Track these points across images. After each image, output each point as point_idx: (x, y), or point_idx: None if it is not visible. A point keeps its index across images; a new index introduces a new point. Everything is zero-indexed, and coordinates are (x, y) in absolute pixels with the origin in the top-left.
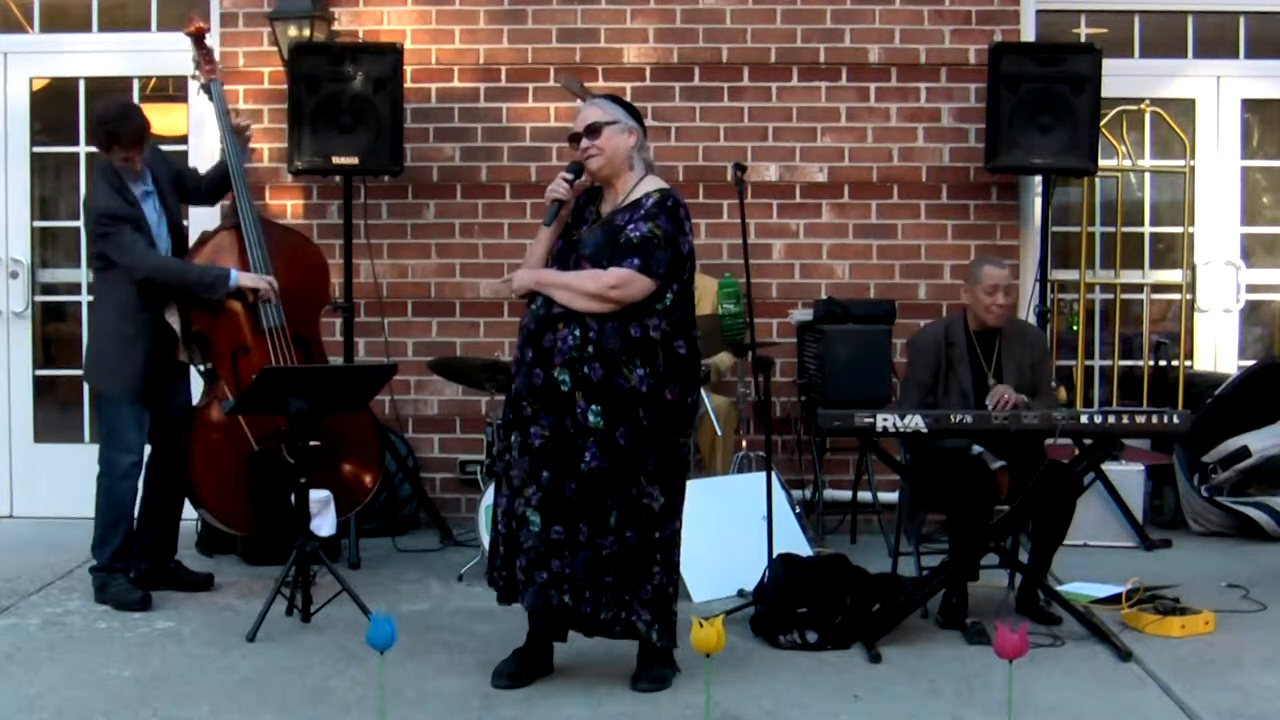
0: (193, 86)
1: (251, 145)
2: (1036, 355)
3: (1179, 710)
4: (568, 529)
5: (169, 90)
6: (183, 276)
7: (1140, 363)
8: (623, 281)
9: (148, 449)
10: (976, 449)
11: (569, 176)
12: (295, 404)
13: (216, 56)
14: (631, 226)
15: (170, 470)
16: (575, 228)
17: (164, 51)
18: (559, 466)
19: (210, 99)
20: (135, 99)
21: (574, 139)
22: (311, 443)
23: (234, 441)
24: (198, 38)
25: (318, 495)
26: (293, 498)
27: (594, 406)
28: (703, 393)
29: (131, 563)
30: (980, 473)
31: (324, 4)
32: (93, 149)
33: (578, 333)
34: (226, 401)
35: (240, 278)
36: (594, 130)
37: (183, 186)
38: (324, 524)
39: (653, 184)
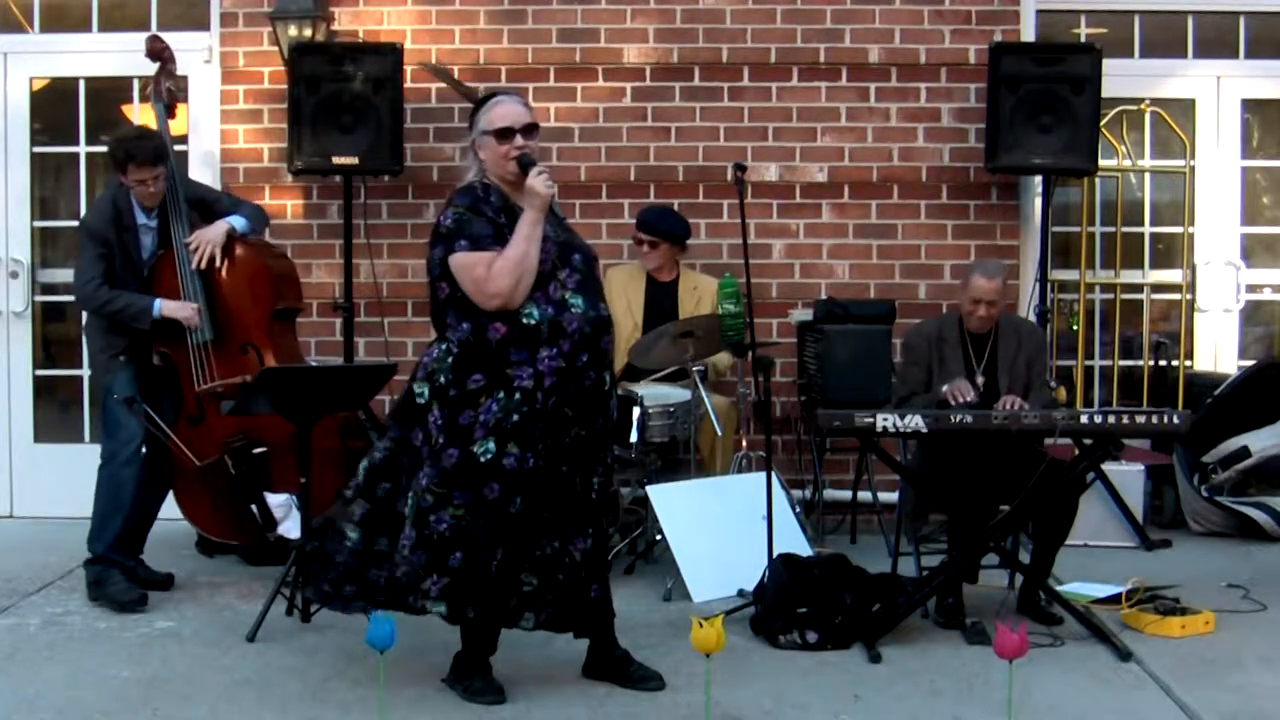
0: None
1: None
2: (1031, 351)
3: (1179, 710)
4: (571, 530)
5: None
6: (109, 306)
7: (1140, 363)
8: None
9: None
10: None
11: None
12: (296, 404)
13: (168, 85)
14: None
15: (158, 471)
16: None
17: None
18: (580, 466)
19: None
20: (135, 99)
21: (507, 134)
22: (256, 450)
23: (195, 454)
24: (156, 56)
25: (277, 500)
26: (253, 508)
27: (613, 401)
28: (703, 392)
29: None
30: (982, 470)
31: (324, 4)
32: (93, 149)
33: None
34: (226, 403)
35: (164, 307)
36: (533, 130)
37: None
38: (294, 527)
39: None
